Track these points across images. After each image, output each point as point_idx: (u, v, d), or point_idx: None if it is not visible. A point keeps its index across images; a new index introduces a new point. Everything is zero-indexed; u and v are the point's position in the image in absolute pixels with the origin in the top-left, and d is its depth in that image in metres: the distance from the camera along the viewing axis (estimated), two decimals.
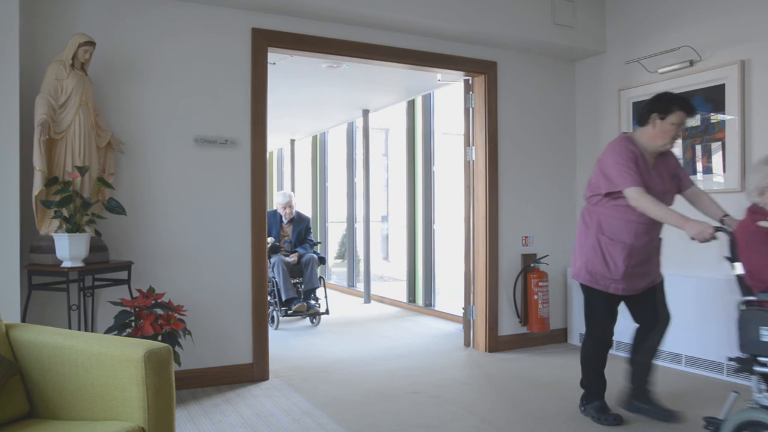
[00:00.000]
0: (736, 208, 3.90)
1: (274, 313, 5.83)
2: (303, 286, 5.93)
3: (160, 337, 3.05)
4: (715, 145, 4.03)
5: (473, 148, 4.81)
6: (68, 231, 2.98)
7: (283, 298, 5.71)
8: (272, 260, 5.78)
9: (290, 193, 6.33)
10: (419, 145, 7.02)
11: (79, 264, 3.00)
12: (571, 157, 5.10)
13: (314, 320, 6.00)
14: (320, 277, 6.05)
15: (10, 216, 3.02)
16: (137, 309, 3.10)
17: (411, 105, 7.12)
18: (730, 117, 3.92)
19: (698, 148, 4.14)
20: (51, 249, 3.03)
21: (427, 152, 6.95)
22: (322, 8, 3.87)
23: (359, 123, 8.09)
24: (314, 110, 7.86)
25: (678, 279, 4.17)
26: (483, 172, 4.73)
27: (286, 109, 7.42)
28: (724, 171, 3.96)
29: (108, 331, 3.03)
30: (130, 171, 3.57)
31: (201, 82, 3.75)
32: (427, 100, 6.89)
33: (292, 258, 5.97)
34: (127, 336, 3.00)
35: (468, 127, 4.86)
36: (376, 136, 8.43)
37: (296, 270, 5.99)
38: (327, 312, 5.98)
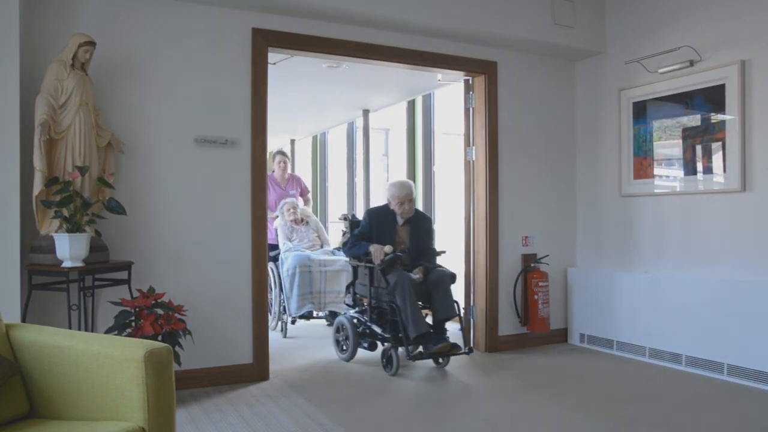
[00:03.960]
0: (736, 207, 3.91)
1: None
2: (434, 314, 4.15)
3: (160, 337, 3.05)
4: (716, 145, 4.03)
5: (473, 148, 4.81)
6: (68, 231, 2.98)
7: (413, 334, 3.88)
8: (393, 279, 4.02)
9: (411, 183, 4.49)
10: (419, 145, 7.02)
11: (80, 264, 3.00)
12: (572, 157, 5.10)
13: (442, 360, 4.18)
14: (455, 302, 4.17)
15: (10, 216, 3.02)
16: (137, 309, 3.10)
17: (411, 105, 7.11)
18: (730, 117, 3.92)
19: (698, 148, 4.14)
20: (51, 249, 3.03)
21: (427, 152, 6.94)
22: (322, 8, 3.87)
23: (359, 123, 8.09)
24: (314, 110, 7.85)
25: (678, 279, 4.18)
26: (483, 172, 4.72)
27: (286, 109, 7.41)
28: (725, 171, 3.96)
29: (108, 331, 3.03)
30: (131, 171, 3.57)
31: (201, 82, 3.75)
32: (427, 100, 6.89)
33: (418, 275, 4.16)
34: (127, 336, 2.99)
35: (468, 127, 4.86)
36: (376, 136, 8.42)
37: (420, 291, 4.14)
38: (471, 350, 4.13)
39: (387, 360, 4.04)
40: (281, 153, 6.18)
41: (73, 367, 1.92)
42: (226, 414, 3.23)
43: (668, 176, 4.36)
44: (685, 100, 4.21)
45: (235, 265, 3.83)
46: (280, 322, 5.39)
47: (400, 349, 4.00)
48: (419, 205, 7.06)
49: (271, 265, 5.31)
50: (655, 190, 4.44)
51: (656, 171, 4.43)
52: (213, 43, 3.78)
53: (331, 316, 5.46)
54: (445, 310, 4.06)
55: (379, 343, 4.26)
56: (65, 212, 3.02)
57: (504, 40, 4.57)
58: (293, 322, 5.48)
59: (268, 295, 5.26)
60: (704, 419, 3.15)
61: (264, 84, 3.92)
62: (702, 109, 4.10)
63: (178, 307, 3.21)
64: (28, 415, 1.99)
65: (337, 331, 4.53)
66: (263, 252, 3.93)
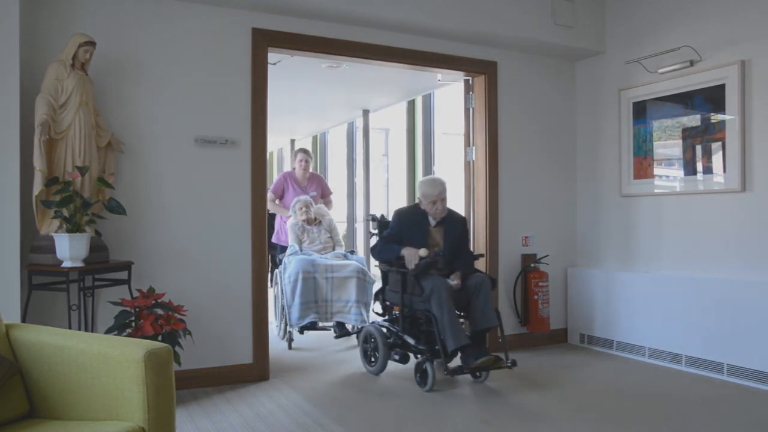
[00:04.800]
0: (736, 207, 3.91)
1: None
2: (472, 323, 3.75)
3: (160, 337, 3.05)
4: (716, 145, 4.03)
5: (473, 148, 4.81)
6: (68, 231, 2.98)
7: (451, 346, 3.50)
8: (428, 285, 3.63)
9: (444, 180, 4.09)
10: (419, 145, 7.03)
11: (80, 264, 3.00)
12: (572, 157, 5.10)
13: (481, 375, 3.80)
14: (496, 310, 3.76)
15: (10, 216, 3.02)
16: (137, 309, 3.10)
17: (411, 105, 7.12)
18: (730, 117, 3.92)
19: (698, 148, 4.14)
20: (51, 249, 3.03)
21: (427, 152, 6.95)
22: (322, 8, 3.87)
23: (359, 123, 8.10)
24: (314, 110, 7.87)
25: (678, 279, 4.18)
26: (483, 172, 4.72)
27: (286, 109, 7.42)
28: (725, 171, 3.96)
29: (108, 331, 3.03)
30: (131, 171, 3.57)
31: (201, 82, 3.75)
32: (427, 100, 6.90)
33: (456, 281, 3.76)
34: (127, 336, 2.99)
35: (468, 127, 4.86)
36: (376, 136, 8.42)
37: (457, 298, 3.72)
38: (514, 364, 3.66)
39: (421, 374, 3.66)
40: (303, 151, 5.66)
41: (73, 367, 1.92)
42: (226, 414, 3.23)
43: (668, 176, 4.36)
44: (685, 100, 4.21)
45: (235, 265, 3.83)
46: (286, 332, 4.86)
47: (436, 362, 3.66)
48: None
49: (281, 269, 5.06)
50: (655, 190, 4.44)
51: (656, 171, 4.43)
52: (213, 43, 3.78)
53: (339, 327, 5.03)
54: (486, 319, 3.67)
55: (411, 355, 3.89)
56: (65, 212, 3.02)
57: (504, 40, 4.57)
58: (301, 332, 5.01)
59: (278, 301, 5.12)
60: (704, 419, 3.15)
61: (264, 84, 3.92)
62: (702, 109, 4.10)
63: (178, 307, 3.21)
64: (28, 415, 1.99)
65: (365, 341, 4.11)
66: (263, 252, 3.93)
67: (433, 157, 6.92)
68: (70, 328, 2.98)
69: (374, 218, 4.49)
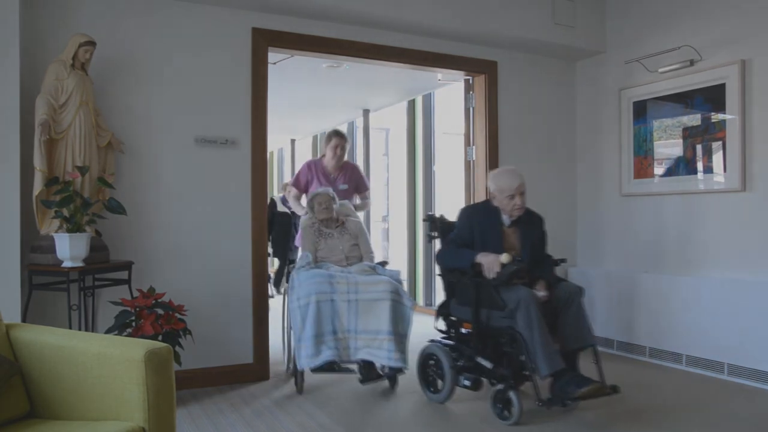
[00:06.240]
0: (737, 207, 3.91)
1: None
2: (563, 342, 3.15)
3: (160, 337, 3.05)
4: (716, 145, 4.02)
5: (473, 148, 4.81)
6: (69, 231, 2.98)
7: (545, 371, 2.92)
8: (512, 298, 3.04)
9: (521, 174, 3.38)
10: (419, 144, 7.02)
11: (80, 264, 3.00)
12: (572, 156, 5.10)
13: (570, 403, 3.05)
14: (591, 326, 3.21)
15: (10, 216, 3.02)
16: (138, 309, 3.10)
17: (411, 105, 7.12)
18: (730, 116, 3.92)
19: (698, 147, 4.14)
20: (51, 249, 3.03)
21: (427, 152, 6.94)
22: (322, 8, 3.87)
23: (359, 123, 8.09)
24: (314, 110, 7.86)
25: (678, 279, 4.17)
26: (483, 172, 4.72)
27: (286, 109, 7.42)
28: (725, 171, 3.96)
29: (108, 331, 3.03)
30: (131, 171, 3.57)
31: (201, 82, 3.74)
32: (428, 100, 6.89)
33: (543, 292, 3.20)
34: (127, 336, 2.99)
35: (468, 127, 4.86)
36: (376, 135, 8.42)
37: (544, 312, 3.07)
38: (615, 390, 2.98)
39: (504, 404, 3.05)
40: (338, 134, 4.40)
41: (73, 367, 1.92)
42: (226, 414, 3.23)
43: (668, 176, 4.36)
44: (685, 100, 4.21)
45: (235, 265, 3.83)
46: (295, 372, 3.65)
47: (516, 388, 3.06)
48: (420, 205, 7.05)
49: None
50: (656, 190, 4.43)
51: (656, 171, 4.43)
52: (213, 43, 3.78)
53: (365, 368, 3.59)
54: (580, 337, 3.11)
55: (484, 380, 3.29)
56: (65, 212, 3.02)
57: (504, 40, 4.57)
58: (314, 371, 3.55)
59: (288, 332, 3.90)
60: (705, 419, 3.15)
61: (264, 84, 3.92)
62: (702, 108, 4.10)
63: (178, 307, 3.21)
64: (28, 415, 1.99)
65: (425, 363, 3.51)
66: (263, 252, 3.93)
67: (434, 156, 6.92)
68: (70, 328, 2.99)
69: (431, 218, 3.74)
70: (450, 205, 7.01)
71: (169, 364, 1.88)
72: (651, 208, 4.48)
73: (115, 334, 2.94)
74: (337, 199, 4.03)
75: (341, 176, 4.41)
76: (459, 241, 3.39)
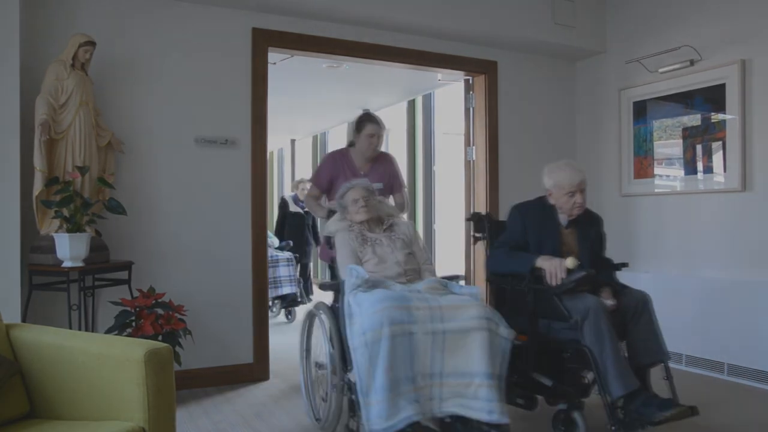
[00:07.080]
0: (737, 207, 3.91)
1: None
2: (632, 356, 2.78)
3: (160, 337, 3.05)
4: (716, 145, 4.03)
5: (473, 148, 4.81)
6: (69, 231, 2.98)
7: (617, 392, 2.53)
8: (578, 307, 2.65)
9: (582, 168, 3.02)
10: (419, 144, 7.02)
11: (80, 264, 3.00)
12: (572, 157, 5.08)
13: (648, 427, 2.61)
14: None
15: (10, 216, 3.02)
16: (138, 309, 3.10)
17: (411, 105, 7.12)
18: (730, 116, 3.92)
19: (699, 147, 4.14)
20: (51, 249, 3.03)
21: (427, 152, 6.95)
22: (322, 8, 3.87)
23: None
24: (314, 110, 7.86)
25: (678, 279, 4.18)
26: (483, 172, 4.72)
27: (286, 109, 7.42)
28: (725, 171, 3.96)
29: (108, 331, 3.03)
30: (131, 171, 3.57)
31: (201, 82, 3.75)
32: (428, 100, 6.90)
33: (611, 301, 2.80)
34: (127, 336, 2.99)
35: (468, 126, 4.86)
36: None
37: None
38: (694, 411, 2.57)
39: (567, 426, 2.71)
40: (373, 120, 3.60)
41: (73, 367, 1.92)
42: (226, 414, 3.23)
43: (668, 176, 4.36)
44: (685, 100, 4.21)
45: (235, 265, 3.83)
46: None
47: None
48: (419, 205, 7.05)
49: (316, 308, 2.99)
50: (656, 190, 4.44)
51: (656, 171, 4.43)
52: (213, 43, 3.78)
53: (460, 426, 2.48)
54: (653, 351, 2.77)
55: (539, 398, 2.90)
56: (65, 212, 3.02)
57: (504, 40, 4.57)
58: None
59: (303, 367, 3.11)
60: (704, 418, 3.14)
61: (264, 84, 3.92)
62: (702, 108, 4.10)
63: (178, 307, 3.21)
64: (28, 415, 1.99)
65: None
66: (263, 251, 3.93)
67: (434, 156, 6.92)
68: (70, 328, 2.98)
69: (478, 217, 3.31)
70: (450, 206, 7.04)
71: (169, 364, 1.88)
72: (651, 208, 4.48)
73: (115, 334, 2.94)
74: (376, 193, 3.20)
75: (373, 172, 3.61)
76: (511, 243, 3.00)
